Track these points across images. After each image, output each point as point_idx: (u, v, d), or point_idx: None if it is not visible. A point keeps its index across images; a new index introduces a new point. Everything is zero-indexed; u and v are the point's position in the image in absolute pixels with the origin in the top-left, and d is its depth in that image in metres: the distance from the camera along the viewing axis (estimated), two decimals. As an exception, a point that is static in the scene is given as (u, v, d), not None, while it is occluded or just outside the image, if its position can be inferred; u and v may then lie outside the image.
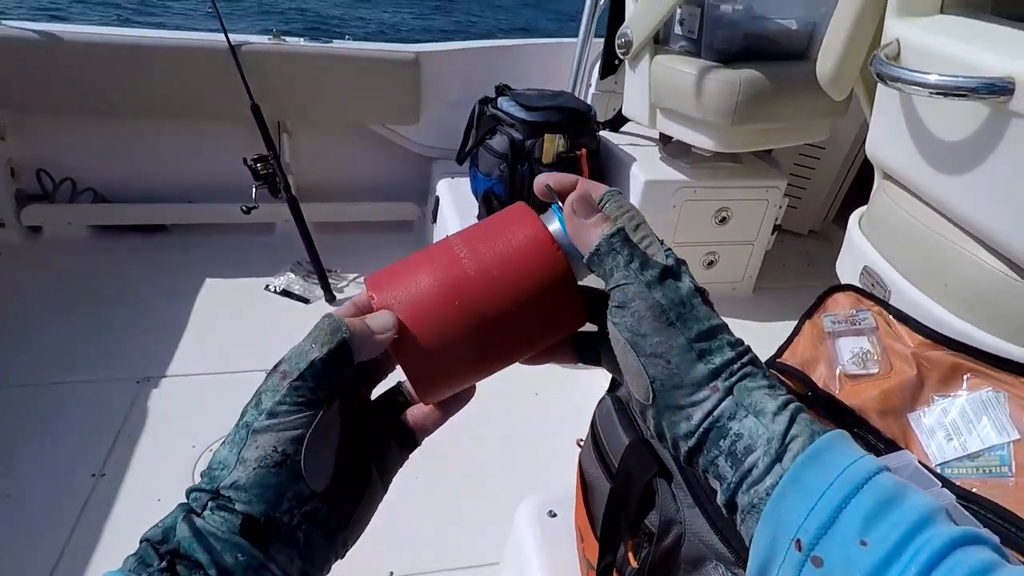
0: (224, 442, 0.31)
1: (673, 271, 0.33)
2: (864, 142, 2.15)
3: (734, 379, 0.31)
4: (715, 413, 0.30)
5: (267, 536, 0.29)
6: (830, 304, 0.88)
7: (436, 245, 0.36)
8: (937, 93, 0.61)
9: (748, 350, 0.33)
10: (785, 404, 0.31)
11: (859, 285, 0.91)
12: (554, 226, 0.36)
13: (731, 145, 1.50)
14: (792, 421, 0.30)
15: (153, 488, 1.35)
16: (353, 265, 2.18)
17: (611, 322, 0.33)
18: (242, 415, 0.32)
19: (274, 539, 0.29)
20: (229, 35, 1.90)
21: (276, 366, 0.32)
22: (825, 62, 0.92)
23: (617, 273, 0.32)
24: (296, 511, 0.30)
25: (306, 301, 2.00)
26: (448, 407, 0.37)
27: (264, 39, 2.04)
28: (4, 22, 1.91)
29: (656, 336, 0.31)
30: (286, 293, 2.01)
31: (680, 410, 0.31)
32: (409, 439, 0.36)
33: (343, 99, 2.16)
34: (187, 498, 0.31)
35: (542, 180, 0.37)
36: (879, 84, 0.83)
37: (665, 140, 1.77)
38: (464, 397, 0.37)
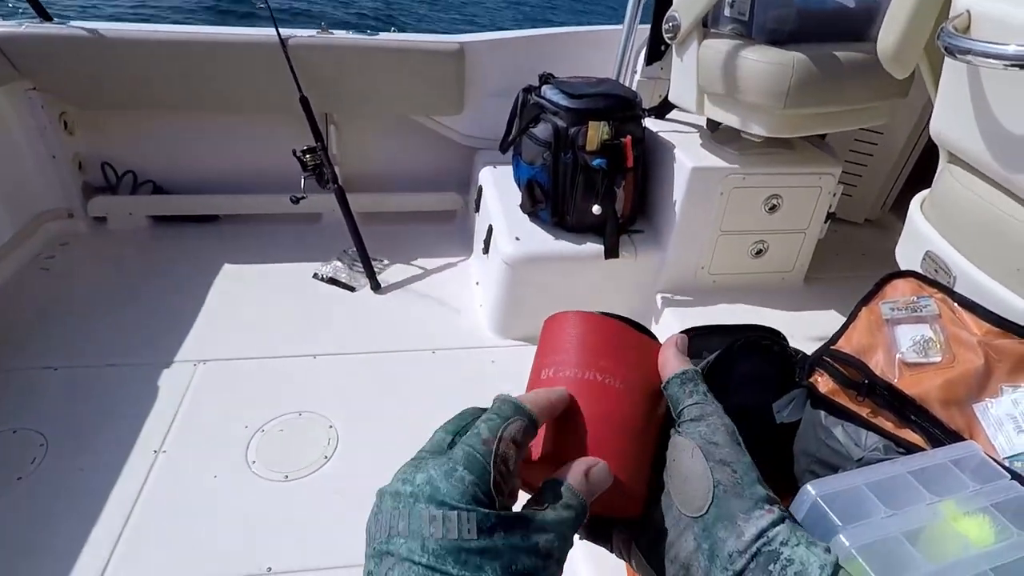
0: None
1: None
2: (925, 127, 2.05)
3: (785, 513, 0.32)
4: (769, 534, 0.30)
5: None
6: (888, 291, 0.85)
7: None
8: (1013, 65, 0.58)
9: None
10: (828, 549, 0.31)
11: (921, 271, 0.87)
12: None
13: (782, 130, 1.46)
14: (837, 567, 0.30)
15: (210, 465, 1.41)
16: (397, 254, 2.22)
17: (681, 433, 0.34)
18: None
19: None
20: (280, 30, 1.95)
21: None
22: (887, 37, 0.88)
23: (695, 396, 0.35)
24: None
25: (352, 289, 2.04)
26: None
27: (312, 32, 2.08)
28: (71, 23, 2.01)
29: (728, 447, 0.33)
30: (333, 281, 2.06)
31: (733, 524, 0.31)
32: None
33: (388, 90, 2.19)
34: None
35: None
36: (946, 60, 0.79)
37: (713, 127, 1.72)
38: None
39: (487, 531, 0.27)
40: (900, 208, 2.26)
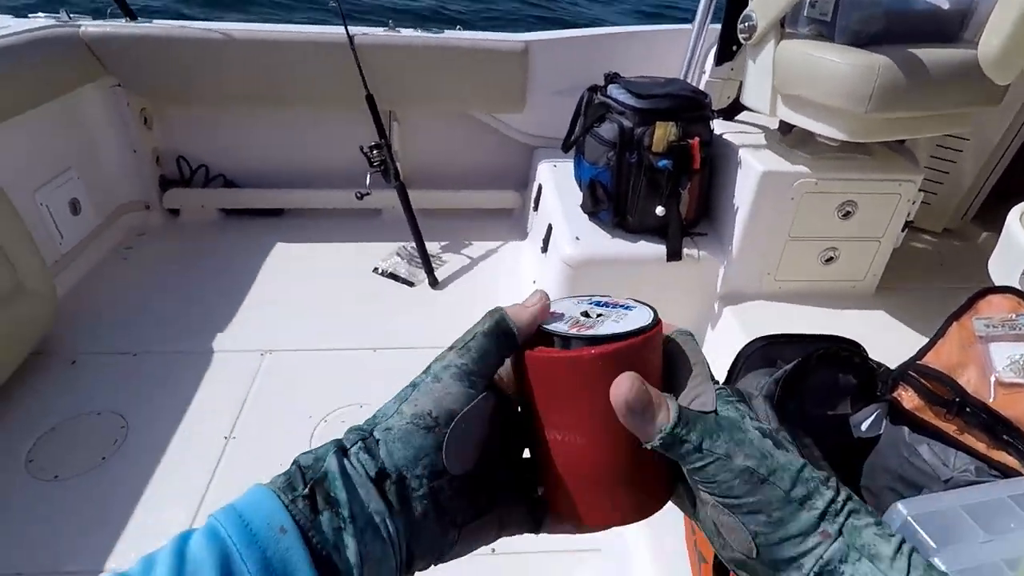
0: (393, 397, 0.33)
1: (736, 423, 0.31)
2: (1017, 134, 1.93)
3: (841, 519, 0.29)
4: (825, 556, 0.29)
5: (393, 493, 0.29)
6: (983, 306, 0.80)
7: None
8: None
9: (839, 483, 0.31)
10: (900, 545, 0.29)
11: (1019, 287, 0.82)
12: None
13: (862, 135, 1.40)
14: (911, 567, 0.28)
15: (277, 453, 1.44)
16: (455, 250, 2.24)
17: (699, 488, 0.31)
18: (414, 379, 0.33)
19: (398, 498, 0.30)
20: (348, 28, 1.99)
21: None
22: (991, 40, 0.83)
23: (694, 456, 0.30)
24: (425, 481, 0.30)
25: (411, 284, 2.07)
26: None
27: (380, 30, 2.12)
28: (154, 22, 2.11)
29: (751, 496, 0.29)
30: (392, 276, 2.10)
31: (791, 562, 0.29)
32: (535, 522, 0.36)
33: (451, 88, 2.21)
34: (343, 435, 0.31)
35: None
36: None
37: (785, 130, 1.67)
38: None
39: None
40: (984, 218, 2.14)
